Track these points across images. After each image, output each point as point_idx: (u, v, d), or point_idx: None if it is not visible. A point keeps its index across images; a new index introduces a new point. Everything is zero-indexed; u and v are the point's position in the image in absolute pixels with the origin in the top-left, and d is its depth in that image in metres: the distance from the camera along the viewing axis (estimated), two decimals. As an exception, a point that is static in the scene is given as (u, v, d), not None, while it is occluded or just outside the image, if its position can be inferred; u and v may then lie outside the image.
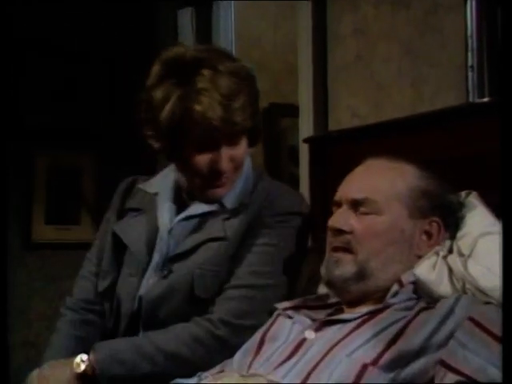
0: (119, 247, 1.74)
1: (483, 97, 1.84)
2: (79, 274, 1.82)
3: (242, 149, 1.67)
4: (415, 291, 1.38)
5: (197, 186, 1.69)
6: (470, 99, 1.86)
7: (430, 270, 1.38)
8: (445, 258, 1.40)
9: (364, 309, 1.37)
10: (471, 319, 1.25)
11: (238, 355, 1.46)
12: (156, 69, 1.65)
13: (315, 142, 2.15)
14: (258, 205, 1.67)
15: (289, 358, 1.33)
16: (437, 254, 1.41)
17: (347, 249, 1.42)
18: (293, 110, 2.83)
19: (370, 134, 1.94)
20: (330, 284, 1.45)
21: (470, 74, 1.89)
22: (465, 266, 1.36)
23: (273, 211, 1.66)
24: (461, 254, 1.40)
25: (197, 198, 1.70)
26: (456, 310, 1.27)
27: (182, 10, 3.50)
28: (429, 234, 1.44)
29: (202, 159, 1.63)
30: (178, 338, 1.56)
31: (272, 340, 1.43)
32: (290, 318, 1.47)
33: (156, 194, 1.76)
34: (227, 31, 3.46)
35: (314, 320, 1.43)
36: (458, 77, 1.93)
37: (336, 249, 1.44)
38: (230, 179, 1.67)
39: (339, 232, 1.43)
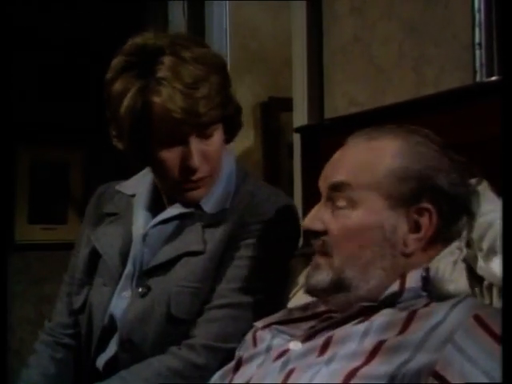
0: (96, 256, 1.61)
1: (492, 77, 1.66)
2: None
3: (215, 144, 1.51)
4: (424, 287, 1.17)
5: (171, 189, 1.54)
6: (478, 80, 1.68)
7: (450, 268, 1.18)
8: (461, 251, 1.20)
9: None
10: (476, 317, 1.03)
11: (214, 379, 1.29)
12: (115, 61, 1.51)
13: (308, 132, 2.00)
14: (241, 211, 1.52)
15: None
16: (460, 249, 1.20)
17: (325, 252, 1.22)
18: (292, 105, 2.68)
19: (366, 122, 1.77)
20: (309, 293, 1.26)
21: (477, 52, 1.71)
22: (486, 261, 1.17)
23: (257, 218, 1.51)
24: (479, 249, 1.20)
25: (176, 200, 1.56)
26: (452, 314, 1.04)
27: (173, 2, 3.35)
28: (417, 225, 1.19)
29: (171, 156, 1.48)
30: (156, 376, 1.42)
31: (250, 359, 1.24)
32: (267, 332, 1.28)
33: (133, 196, 1.62)
34: (221, 22, 3.30)
35: (292, 336, 1.23)
36: (465, 56, 1.75)
37: (317, 252, 1.24)
38: (207, 181, 1.52)
39: (314, 233, 1.23)
